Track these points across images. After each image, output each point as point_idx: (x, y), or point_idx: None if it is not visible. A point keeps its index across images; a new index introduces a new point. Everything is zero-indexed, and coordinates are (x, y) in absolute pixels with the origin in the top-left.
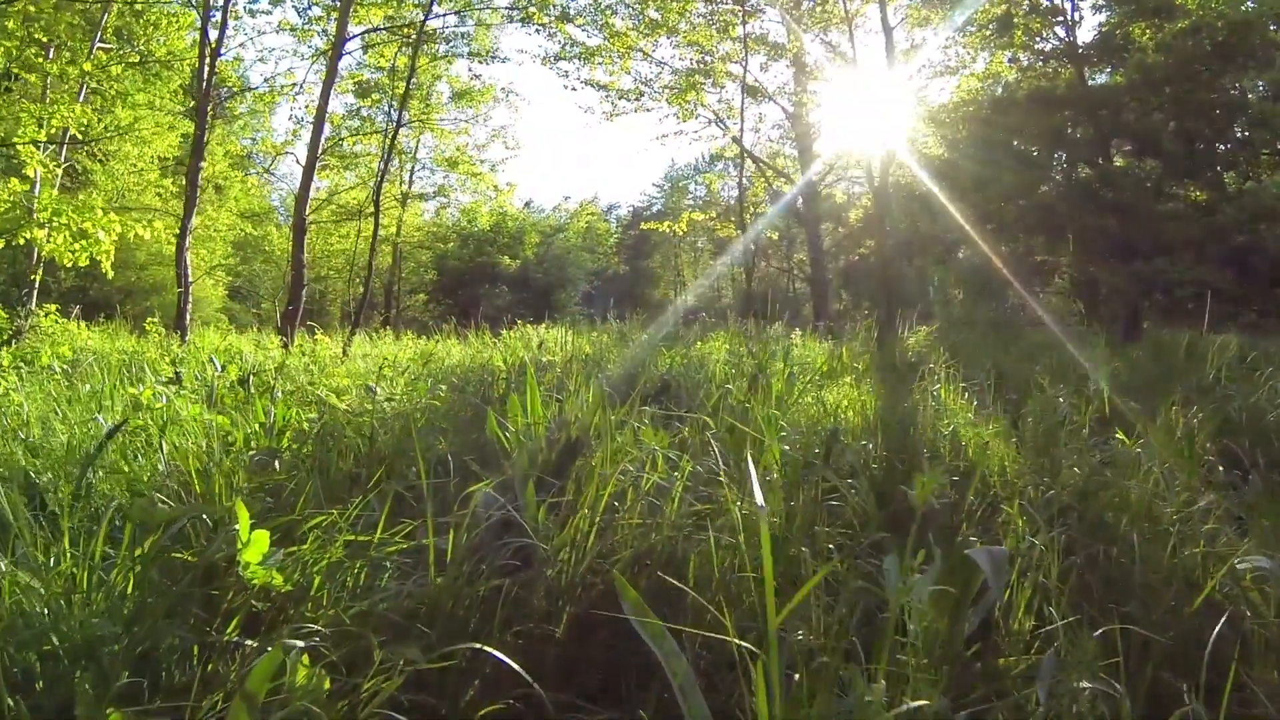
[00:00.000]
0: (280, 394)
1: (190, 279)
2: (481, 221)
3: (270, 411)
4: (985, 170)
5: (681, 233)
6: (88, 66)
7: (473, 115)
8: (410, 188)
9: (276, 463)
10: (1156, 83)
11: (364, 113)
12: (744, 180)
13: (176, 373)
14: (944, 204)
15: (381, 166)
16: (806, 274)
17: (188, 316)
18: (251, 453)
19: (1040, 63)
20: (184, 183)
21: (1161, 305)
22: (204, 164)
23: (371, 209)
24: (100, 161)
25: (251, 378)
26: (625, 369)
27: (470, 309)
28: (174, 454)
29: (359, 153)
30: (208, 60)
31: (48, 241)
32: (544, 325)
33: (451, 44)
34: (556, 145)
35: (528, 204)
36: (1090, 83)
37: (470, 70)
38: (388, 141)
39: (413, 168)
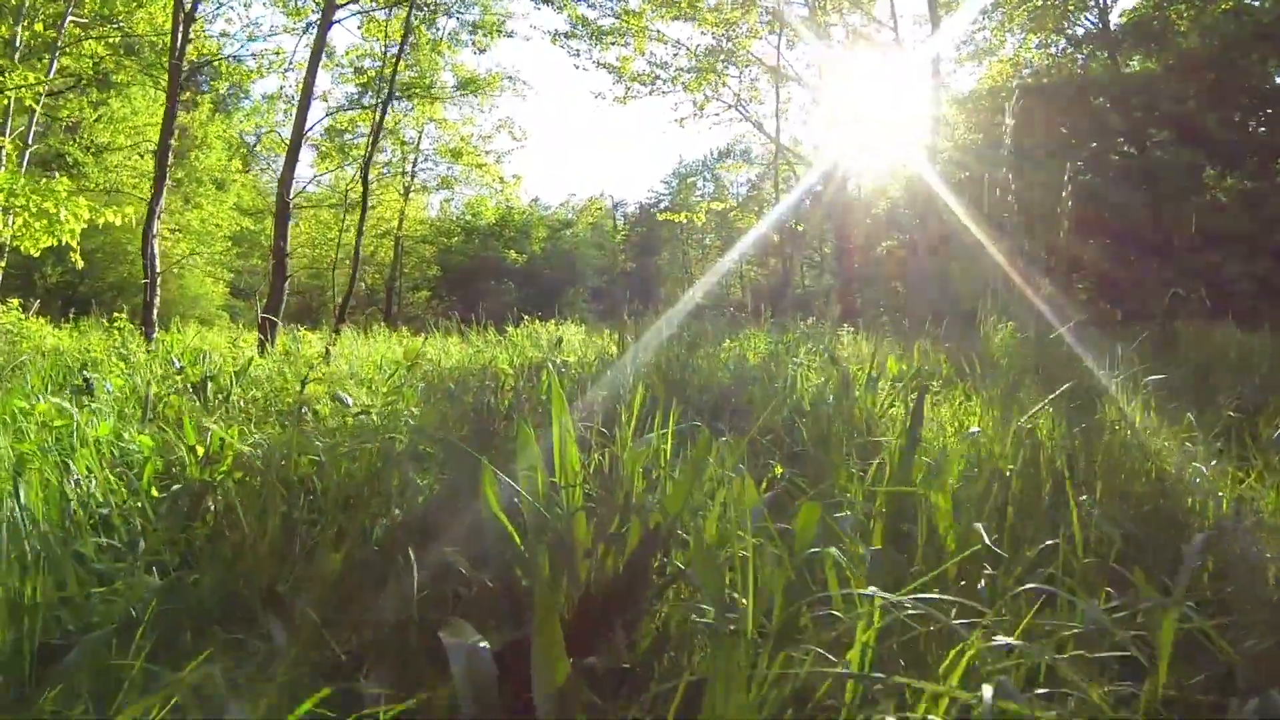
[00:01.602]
0: (244, 403)
1: (158, 269)
2: (486, 215)
3: (207, 430)
4: (1017, 160)
5: (699, 222)
6: (39, 28)
7: (477, 104)
8: (413, 180)
9: (211, 501)
10: (1195, 68)
11: (365, 100)
12: (778, 154)
13: (86, 380)
14: (975, 195)
15: (370, 143)
16: (830, 268)
17: (155, 311)
18: (177, 487)
19: (1071, 48)
20: (179, 174)
21: (1203, 302)
22: (205, 156)
23: (359, 195)
24: (93, 153)
25: (208, 383)
26: (667, 375)
27: (475, 305)
28: (33, 497)
29: (359, 144)
30: (181, 26)
31: (7, 227)
32: (553, 322)
33: (454, 13)
34: (563, 143)
35: (535, 200)
36: (1125, 69)
37: (474, 46)
38: (377, 117)
39: (415, 159)
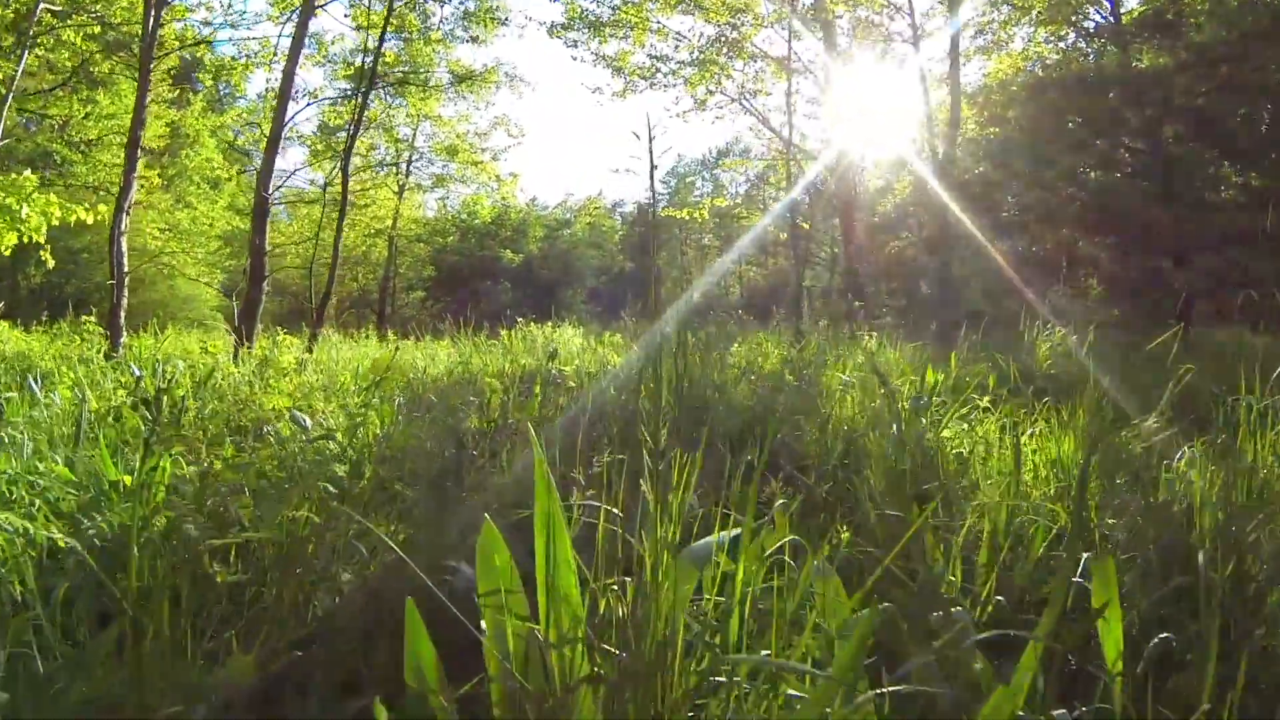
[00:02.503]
0: (202, 419)
1: (126, 269)
2: (482, 214)
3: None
4: (1027, 158)
5: (703, 219)
6: (7, 13)
7: (473, 101)
8: (408, 178)
9: (135, 550)
10: (1211, 61)
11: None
12: (789, 150)
13: None
14: (986, 193)
15: (351, 133)
16: (841, 267)
17: (122, 314)
18: (92, 530)
19: (1082, 42)
20: (170, 172)
21: (1223, 303)
22: (194, 155)
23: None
24: (81, 151)
25: (163, 396)
26: (680, 394)
27: (471, 306)
28: None
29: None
30: (152, 9)
31: None
32: (550, 324)
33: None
34: (561, 146)
35: (533, 200)
36: (1135, 63)
37: (469, 37)
38: (358, 105)
39: (410, 156)
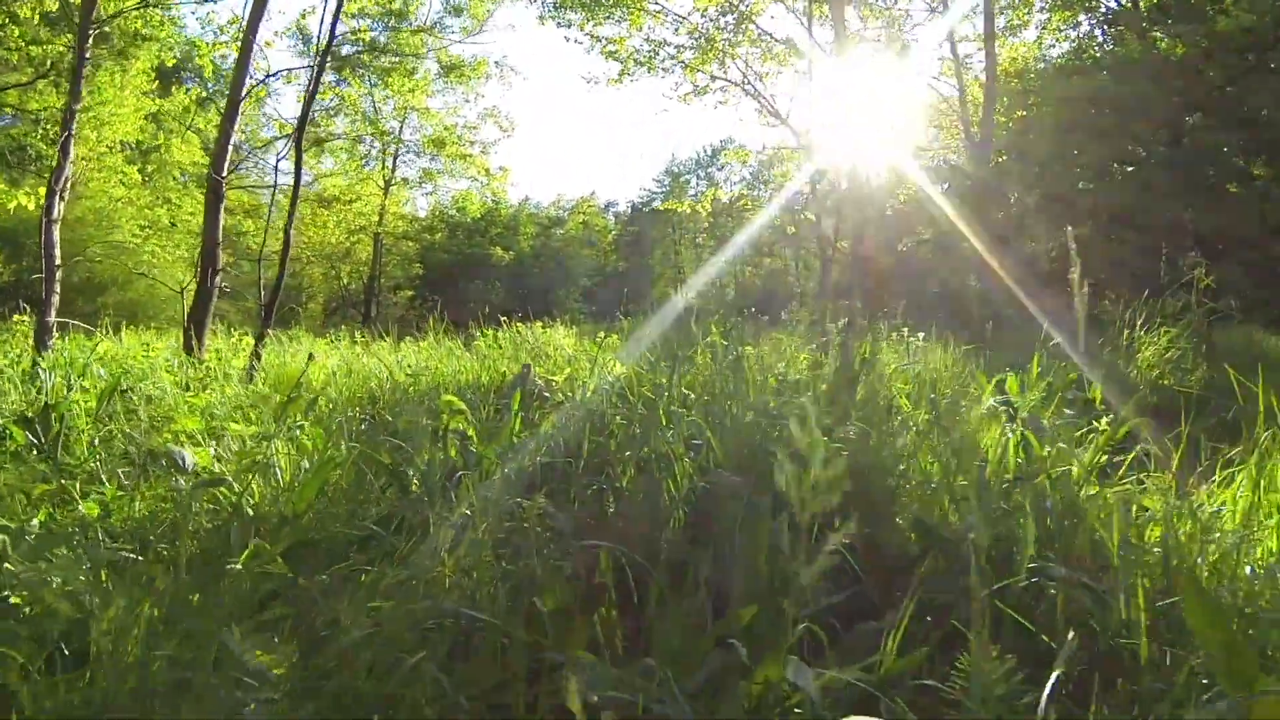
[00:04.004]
0: (98, 441)
1: (58, 262)
2: (471, 210)
3: None
4: (1049, 148)
5: (704, 212)
6: None
7: (462, 93)
8: (394, 173)
9: None
10: (1239, 49)
11: (343, 88)
12: (799, 140)
13: None
14: (999, 184)
15: (306, 101)
16: (849, 264)
17: (52, 313)
18: None
19: (1098, 30)
20: (149, 168)
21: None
22: (172, 150)
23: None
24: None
25: (49, 414)
26: (731, 432)
27: (460, 306)
28: None
29: (336, 133)
30: None
31: None
32: (539, 324)
33: None
34: (554, 139)
35: (526, 199)
36: (1153, 50)
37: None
38: (315, 72)
39: (397, 150)
